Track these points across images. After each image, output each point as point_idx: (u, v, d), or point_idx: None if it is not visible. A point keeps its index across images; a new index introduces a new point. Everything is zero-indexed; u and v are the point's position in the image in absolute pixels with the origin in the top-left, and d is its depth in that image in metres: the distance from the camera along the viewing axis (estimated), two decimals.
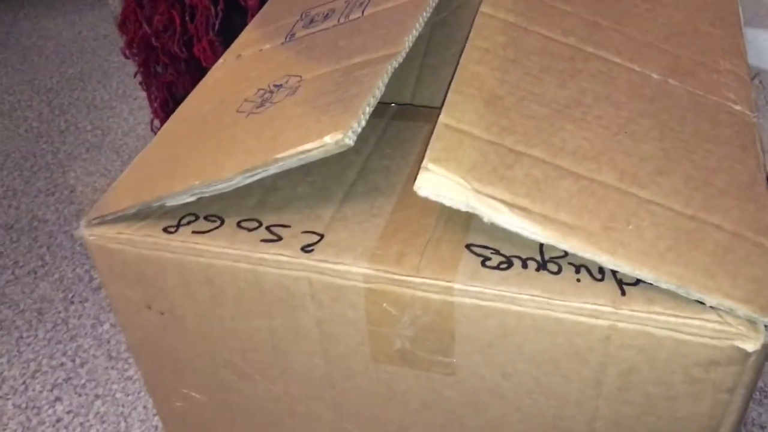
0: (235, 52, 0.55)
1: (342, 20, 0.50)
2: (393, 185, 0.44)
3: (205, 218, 0.42)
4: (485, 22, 0.47)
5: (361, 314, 0.40)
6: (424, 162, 0.37)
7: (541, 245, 0.38)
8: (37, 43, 1.57)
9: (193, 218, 0.43)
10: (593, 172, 0.39)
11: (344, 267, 0.39)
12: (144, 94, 0.99)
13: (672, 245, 0.36)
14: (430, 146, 0.38)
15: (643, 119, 0.42)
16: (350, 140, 0.37)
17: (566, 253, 0.37)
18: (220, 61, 0.55)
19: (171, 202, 0.42)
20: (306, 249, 0.40)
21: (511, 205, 0.36)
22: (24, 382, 0.88)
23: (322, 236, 0.41)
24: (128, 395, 0.85)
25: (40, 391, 0.87)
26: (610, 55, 0.46)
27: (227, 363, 0.47)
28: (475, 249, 0.39)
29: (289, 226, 0.42)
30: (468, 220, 0.40)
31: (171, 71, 0.94)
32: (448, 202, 0.37)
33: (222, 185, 0.40)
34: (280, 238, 0.41)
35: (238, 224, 0.42)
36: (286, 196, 0.44)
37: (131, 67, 0.96)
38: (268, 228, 0.42)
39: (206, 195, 0.41)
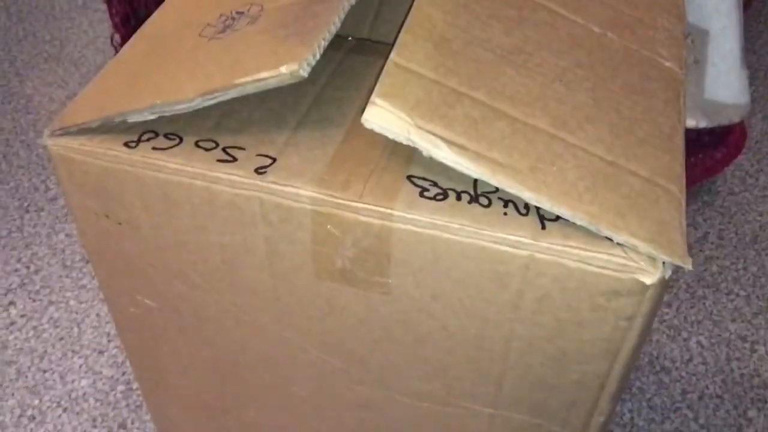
0: None
1: None
2: (344, 116, 0.47)
3: (165, 136, 0.45)
4: None
5: (307, 234, 0.44)
6: (372, 97, 0.40)
7: (475, 180, 0.42)
8: None
9: (153, 135, 0.45)
10: (527, 116, 0.42)
11: (294, 189, 0.42)
12: (104, 6, 0.98)
13: (590, 187, 0.40)
14: (378, 82, 0.41)
15: (579, 69, 0.46)
16: (304, 72, 0.39)
17: (497, 189, 0.41)
18: None
19: (132, 119, 0.44)
20: (259, 171, 0.43)
21: (449, 142, 0.39)
22: None
23: (274, 160, 0.44)
24: (81, 303, 0.88)
25: None
26: (555, 6, 0.49)
27: (179, 273, 0.50)
28: (415, 180, 0.42)
29: (244, 149, 0.44)
30: (410, 153, 0.43)
31: None
32: (391, 136, 0.40)
33: (182, 106, 0.43)
34: (235, 159, 0.44)
35: (196, 144, 0.44)
36: (243, 120, 0.46)
37: None
38: (224, 149, 0.44)
39: (166, 114, 0.43)
